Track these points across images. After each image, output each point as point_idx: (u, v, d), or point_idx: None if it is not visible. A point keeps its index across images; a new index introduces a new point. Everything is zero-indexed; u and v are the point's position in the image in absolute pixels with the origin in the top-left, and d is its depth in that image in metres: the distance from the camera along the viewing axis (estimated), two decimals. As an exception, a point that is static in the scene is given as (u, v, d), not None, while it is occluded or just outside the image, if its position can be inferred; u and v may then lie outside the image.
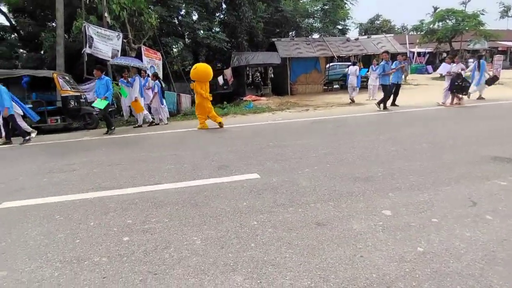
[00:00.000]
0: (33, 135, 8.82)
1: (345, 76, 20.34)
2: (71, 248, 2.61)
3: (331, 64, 21.27)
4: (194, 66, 8.75)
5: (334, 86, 20.43)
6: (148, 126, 10.05)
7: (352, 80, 13.28)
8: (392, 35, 22.87)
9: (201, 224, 2.87)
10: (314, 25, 25.96)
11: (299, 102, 14.06)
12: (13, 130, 8.35)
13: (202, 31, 18.45)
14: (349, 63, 20.82)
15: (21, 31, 18.80)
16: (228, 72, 18.04)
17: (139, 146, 6.75)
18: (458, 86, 9.92)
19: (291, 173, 4.15)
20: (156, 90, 10.11)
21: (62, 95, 10.07)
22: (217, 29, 21.32)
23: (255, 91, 17.58)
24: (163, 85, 11.01)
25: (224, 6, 21.51)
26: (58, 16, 12.60)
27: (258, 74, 18.51)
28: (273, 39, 19.44)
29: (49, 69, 13.10)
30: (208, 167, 4.65)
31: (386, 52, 10.79)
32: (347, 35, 25.41)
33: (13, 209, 3.56)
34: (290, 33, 24.84)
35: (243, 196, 3.47)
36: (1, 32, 20.51)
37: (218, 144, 6.33)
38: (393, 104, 10.64)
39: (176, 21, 19.44)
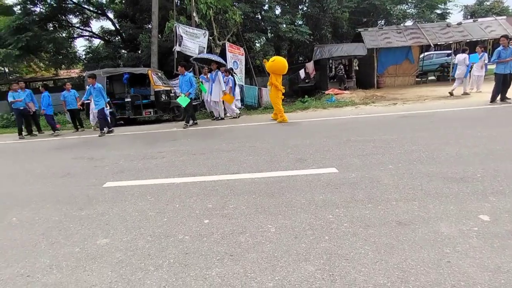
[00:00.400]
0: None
1: (442, 67, 18.45)
2: (160, 225, 2.89)
3: (426, 53, 19.37)
4: (272, 59, 8.84)
5: (429, 78, 18.58)
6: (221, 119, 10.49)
7: (461, 71, 11.53)
8: (505, 17, 19.51)
9: (276, 214, 2.91)
10: (407, 11, 23.76)
11: (386, 96, 13.18)
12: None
13: (284, 25, 18.44)
14: (449, 51, 18.75)
15: (123, 34, 21.22)
16: (310, 65, 17.75)
17: (221, 138, 7.09)
18: None
19: (372, 169, 3.93)
20: (230, 85, 10.45)
21: (155, 89, 11.11)
22: (300, 22, 21.11)
23: (337, 85, 16.99)
24: (236, 80, 11.31)
25: (308, -2, 21.21)
26: (153, 18, 13.93)
27: (342, 66, 17.80)
28: (359, 29, 18.46)
29: (144, 66, 14.56)
30: (285, 159, 4.68)
31: (505, 36, 9.15)
32: (447, 20, 22.64)
33: (114, 188, 4.07)
34: (379, 22, 23.28)
35: (320, 189, 3.40)
36: (108, 36, 23.50)
37: (297, 137, 6.31)
38: (503, 98, 9.15)
39: (259, 16, 19.79)
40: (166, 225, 2.88)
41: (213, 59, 11.76)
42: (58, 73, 25.25)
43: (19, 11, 18.52)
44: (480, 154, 4.16)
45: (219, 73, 10.24)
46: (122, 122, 11.63)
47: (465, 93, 11.60)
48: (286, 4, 20.07)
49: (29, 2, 18.68)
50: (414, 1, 22.95)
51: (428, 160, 4.08)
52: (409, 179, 3.48)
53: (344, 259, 2.14)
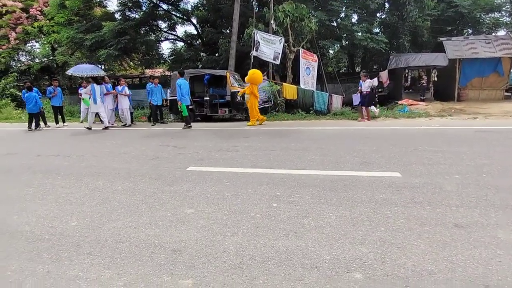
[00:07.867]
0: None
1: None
2: (235, 204, 3.41)
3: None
4: (252, 71, 10.21)
5: (522, 93, 16.86)
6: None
7: None
8: None
9: (338, 205, 3.23)
10: (500, 20, 21.57)
11: (467, 109, 12.38)
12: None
13: (360, 33, 18.21)
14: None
15: (204, 38, 22.80)
16: (384, 74, 17.28)
17: (290, 138, 7.49)
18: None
19: (436, 177, 4.01)
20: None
21: (232, 90, 11.94)
22: (377, 30, 20.60)
23: (413, 95, 16.30)
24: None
25: (386, 6, 20.61)
26: (234, 25, 14.90)
27: (425, 77, 17.00)
28: (441, 39, 17.43)
29: (222, 69, 15.58)
30: (350, 162, 4.92)
31: None
32: (547, 30, 20.14)
33: (196, 172, 4.74)
34: (465, 31, 21.61)
35: (381, 189, 3.63)
36: (190, 39, 25.51)
37: (364, 143, 6.45)
38: None
39: (334, 23, 19.80)
40: (240, 204, 3.39)
41: (90, 75, 11.78)
42: (144, 71, 28.14)
43: (119, 17, 21.23)
44: (561, 174, 3.98)
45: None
46: (199, 118, 12.67)
47: None
48: (363, 12, 19.77)
49: (127, 9, 21.33)
50: (509, 8, 20.82)
51: (499, 174, 4.03)
52: (474, 189, 3.53)
53: (397, 247, 2.41)
